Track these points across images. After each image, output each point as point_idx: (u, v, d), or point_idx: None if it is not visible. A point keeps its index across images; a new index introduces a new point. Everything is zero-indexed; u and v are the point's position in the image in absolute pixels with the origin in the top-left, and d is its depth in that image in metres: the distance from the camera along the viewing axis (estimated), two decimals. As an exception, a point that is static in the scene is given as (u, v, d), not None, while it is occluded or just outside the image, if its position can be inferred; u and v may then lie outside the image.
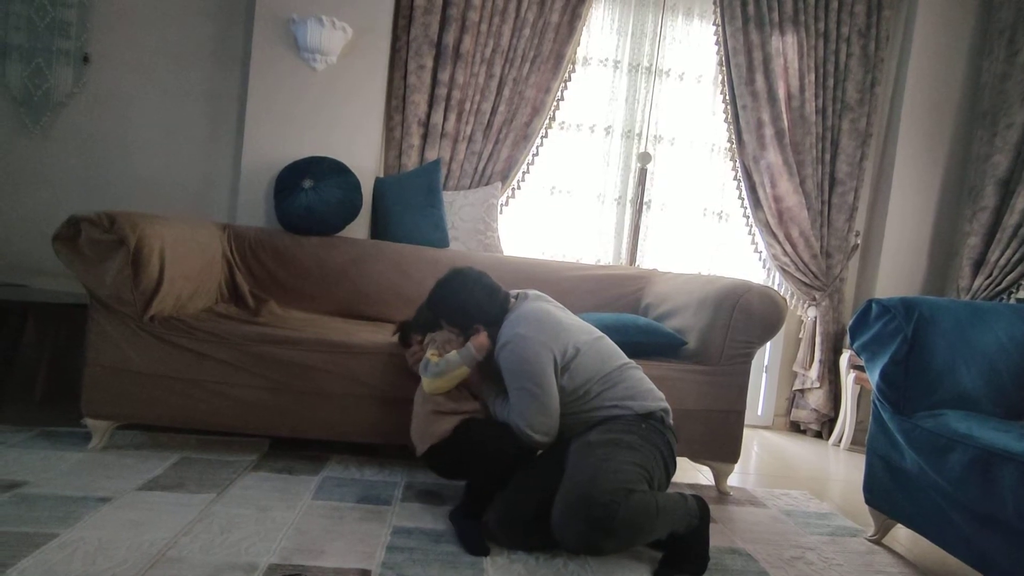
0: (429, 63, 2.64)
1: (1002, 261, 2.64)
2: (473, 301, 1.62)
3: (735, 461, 1.99)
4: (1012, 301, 2.63)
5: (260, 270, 2.31)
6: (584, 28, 2.78)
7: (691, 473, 2.20)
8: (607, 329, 1.84)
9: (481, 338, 1.58)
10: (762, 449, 2.72)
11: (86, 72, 2.56)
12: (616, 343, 1.70)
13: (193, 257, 1.99)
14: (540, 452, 1.58)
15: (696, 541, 1.44)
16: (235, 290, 2.25)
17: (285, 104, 2.52)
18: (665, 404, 1.58)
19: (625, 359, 1.63)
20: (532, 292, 1.73)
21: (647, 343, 1.99)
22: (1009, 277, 2.62)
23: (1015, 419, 1.57)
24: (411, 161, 2.66)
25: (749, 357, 1.96)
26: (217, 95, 2.65)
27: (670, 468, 1.52)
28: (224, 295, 2.23)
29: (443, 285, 1.66)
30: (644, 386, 1.59)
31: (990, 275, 2.68)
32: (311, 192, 2.34)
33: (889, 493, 1.66)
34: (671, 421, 1.58)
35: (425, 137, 2.68)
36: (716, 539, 1.61)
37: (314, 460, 1.89)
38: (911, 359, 1.59)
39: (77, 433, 1.84)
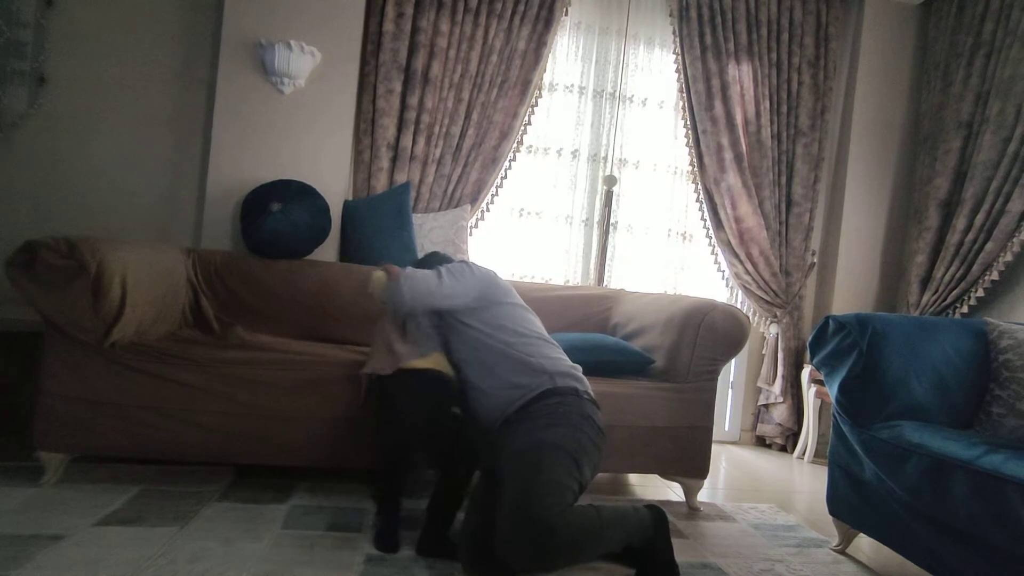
0: (398, 87, 2.67)
1: (947, 278, 2.79)
2: (423, 262, 1.92)
3: (704, 476, 2.03)
4: (957, 316, 2.78)
5: (226, 294, 2.27)
6: (550, 55, 2.87)
7: (662, 490, 2.23)
8: (577, 349, 1.87)
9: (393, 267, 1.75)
10: (730, 464, 2.77)
11: (42, 93, 2.50)
12: (586, 362, 1.75)
13: (156, 282, 1.94)
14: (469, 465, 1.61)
15: (658, 551, 1.45)
16: (200, 315, 2.20)
17: (252, 127, 2.51)
18: (579, 375, 1.63)
19: (548, 337, 1.72)
20: None
21: (616, 362, 2.03)
22: (954, 293, 2.77)
23: (963, 428, 1.65)
24: (380, 184, 2.67)
25: (715, 374, 2.01)
26: (181, 118, 2.61)
27: (599, 442, 1.51)
28: (188, 320, 2.17)
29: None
30: (555, 354, 1.67)
31: (936, 291, 2.82)
32: (279, 215, 2.32)
33: (851, 503, 1.72)
34: (587, 392, 1.60)
35: (394, 160, 2.70)
36: (688, 554, 1.64)
37: (281, 488, 1.84)
38: (867, 373, 1.66)
39: (28, 467, 1.75)
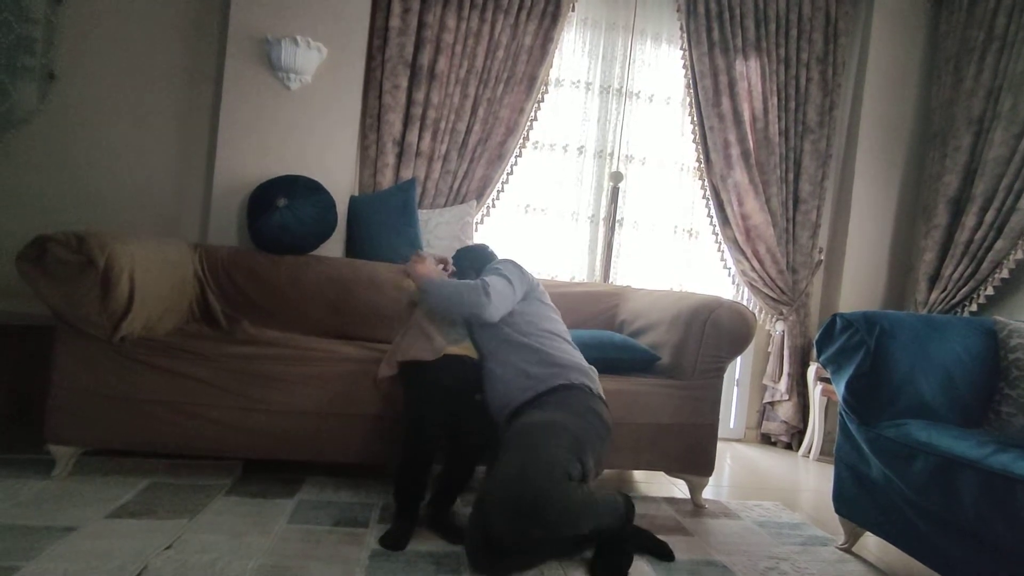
0: (404, 83, 2.67)
1: (955, 276, 2.77)
2: (474, 254, 2.01)
3: (709, 474, 2.03)
4: (965, 314, 2.76)
5: (233, 290, 2.28)
6: (556, 51, 2.85)
7: (667, 486, 2.23)
8: (584, 346, 1.87)
9: (427, 268, 1.84)
10: (735, 461, 2.77)
11: (52, 89, 2.51)
12: (593, 359, 1.78)
13: (164, 277, 1.96)
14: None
15: (624, 539, 1.50)
16: (207, 310, 2.22)
17: (258, 123, 2.51)
18: (592, 376, 1.69)
19: (569, 339, 1.79)
20: None
21: (623, 359, 2.03)
22: (962, 291, 2.75)
23: (972, 427, 1.64)
24: (386, 180, 2.67)
25: (721, 371, 2.01)
26: (188, 113, 2.62)
27: (605, 438, 1.56)
28: (195, 315, 2.19)
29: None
30: (573, 351, 1.74)
31: (945, 289, 2.81)
32: (285, 211, 2.32)
33: (858, 502, 1.72)
34: (597, 391, 1.66)
35: (400, 156, 2.70)
36: (693, 551, 1.64)
37: (289, 483, 1.86)
38: (874, 371, 1.65)
39: (40, 460, 1.77)
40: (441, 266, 1.95)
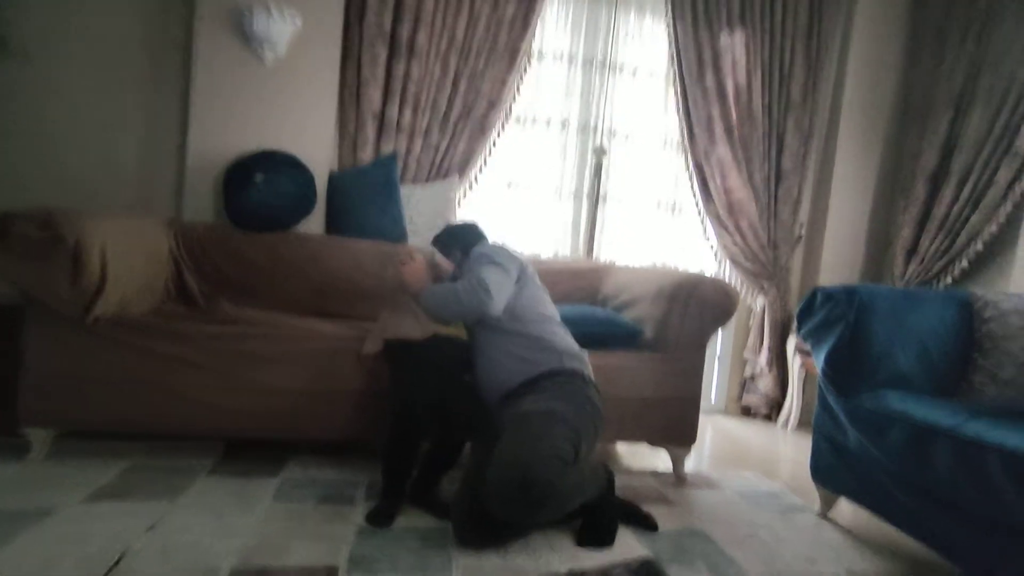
0: (383, 56, 2.59)
1: (932, 250, 2.82)
2: (462, 232, 1.94)
3: (691, 444, 2.06)
4: (941, 287, 2.81)
5: (210, 268, 2.23)
6: (538, 23, 2.79)
7: (650, 460, 2.26)
8: (567, 321, 1.87)
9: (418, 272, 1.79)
10: (716, 433, 2.82)
11: (16, 63, 2.39)
12: (576, 334, 1.79)
13: (138, 255, 1.90)
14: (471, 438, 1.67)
15: (608, 508, 1.56)
16: (183, 289, 2.17)
17: (232, 96, 2.43)
18: (584, 360, 1.71)
19: (560, 322, 1.80)
20: None
21: (606, 333, 2.04)
22: (939, 264, 2.80)
23: (946, 396, 1.68)
24: (366, 155, 2.61)
25: (704, 345, 2.03)
26: (157, 86, 2.52)
27: (599, 426, 1.60)
28: (172, 294, 2.13)
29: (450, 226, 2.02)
30: (566, 335, 1.75)
31: (921, 263, 2.86)
32: (263, 187, 2.27)
33: (834, 470, 1.76)
34: (589, 376, 1.68)
35: (380, 131, 2.64)
36: (675, 521, 1.67)
37: (272, 462, 1.84)
38: (853, 343, 1.68)
39: (15, 443, 1.72)
40: (438, 266, 1.88)
